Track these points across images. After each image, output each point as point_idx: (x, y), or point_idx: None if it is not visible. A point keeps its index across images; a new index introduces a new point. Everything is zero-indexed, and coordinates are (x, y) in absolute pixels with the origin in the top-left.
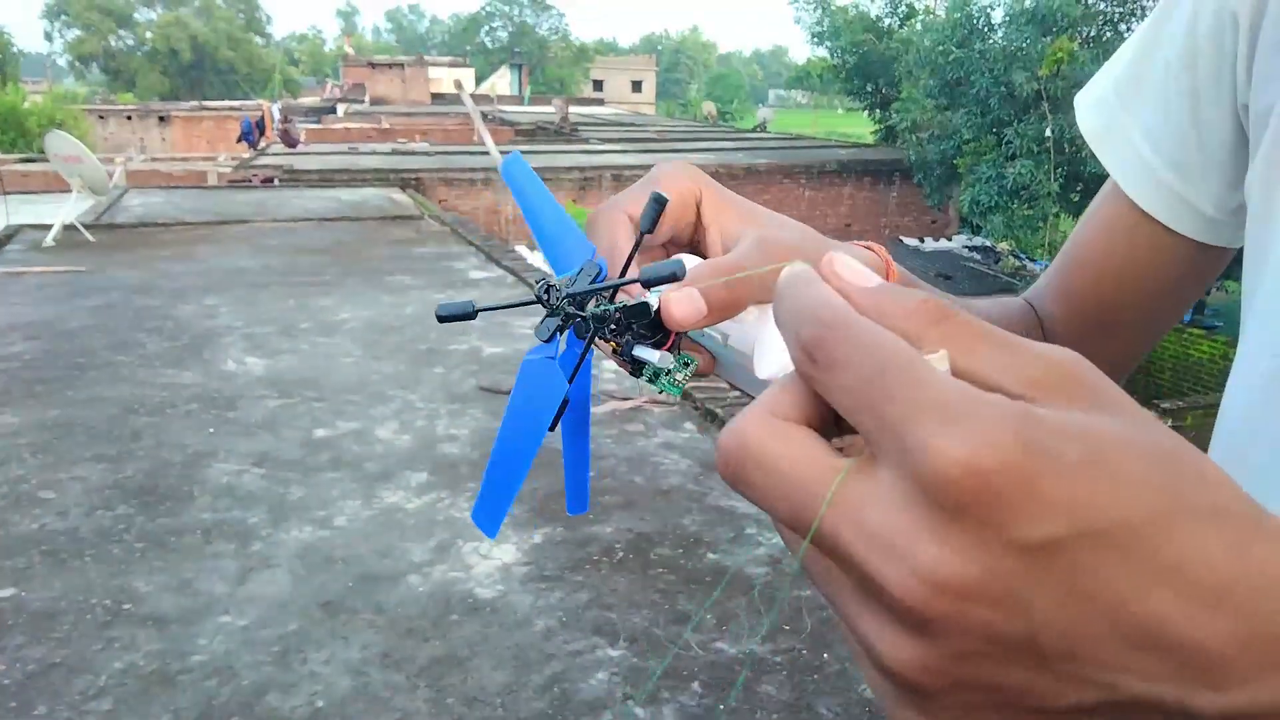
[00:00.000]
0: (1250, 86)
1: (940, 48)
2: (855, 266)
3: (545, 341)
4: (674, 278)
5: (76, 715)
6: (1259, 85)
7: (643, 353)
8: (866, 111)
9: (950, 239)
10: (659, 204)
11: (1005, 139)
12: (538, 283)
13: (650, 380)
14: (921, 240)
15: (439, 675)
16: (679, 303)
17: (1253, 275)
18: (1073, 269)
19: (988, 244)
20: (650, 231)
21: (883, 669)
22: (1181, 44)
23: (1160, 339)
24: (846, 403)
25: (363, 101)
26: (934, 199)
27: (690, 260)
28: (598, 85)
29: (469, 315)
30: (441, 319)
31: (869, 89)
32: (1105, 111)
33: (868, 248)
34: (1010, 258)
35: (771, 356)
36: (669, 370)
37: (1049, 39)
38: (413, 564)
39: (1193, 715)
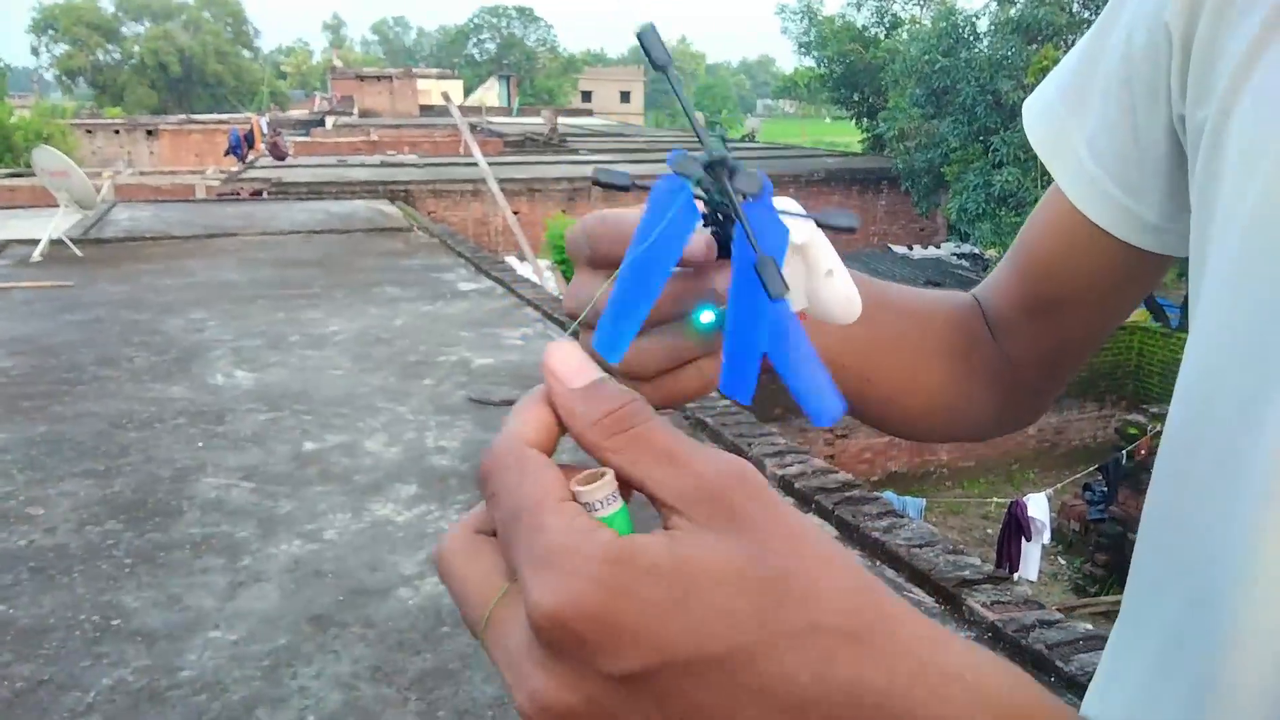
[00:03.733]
0: (1185, 100)
1: (926, 57)
2: (570, 362)
3: (680, 173)
4: (850, 229)
5: None
6: (1194, 99)
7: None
8: (854, 120)
9: (939, 246)
10: (647, 33)
11: (992, 146)
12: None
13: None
14: (910, 248)
15: (430, 688)
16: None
17: (1194, 285)
18: (1020, 267)
19: (976, 251)
20: (666, 64)
21: None
22: (1119, 58)
23: (1105, 339)
24: (499, 535)
25: (351, 114)
26: (922, 207)
27: (784, 200)
28: (586, 96)
29: (625, 187)
30: (598, 184)
31: (856, 98)
32: (1052, 120)
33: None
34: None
35: (797, 222)
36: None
37: (1034, 47)
38: (403, 577)
39: None
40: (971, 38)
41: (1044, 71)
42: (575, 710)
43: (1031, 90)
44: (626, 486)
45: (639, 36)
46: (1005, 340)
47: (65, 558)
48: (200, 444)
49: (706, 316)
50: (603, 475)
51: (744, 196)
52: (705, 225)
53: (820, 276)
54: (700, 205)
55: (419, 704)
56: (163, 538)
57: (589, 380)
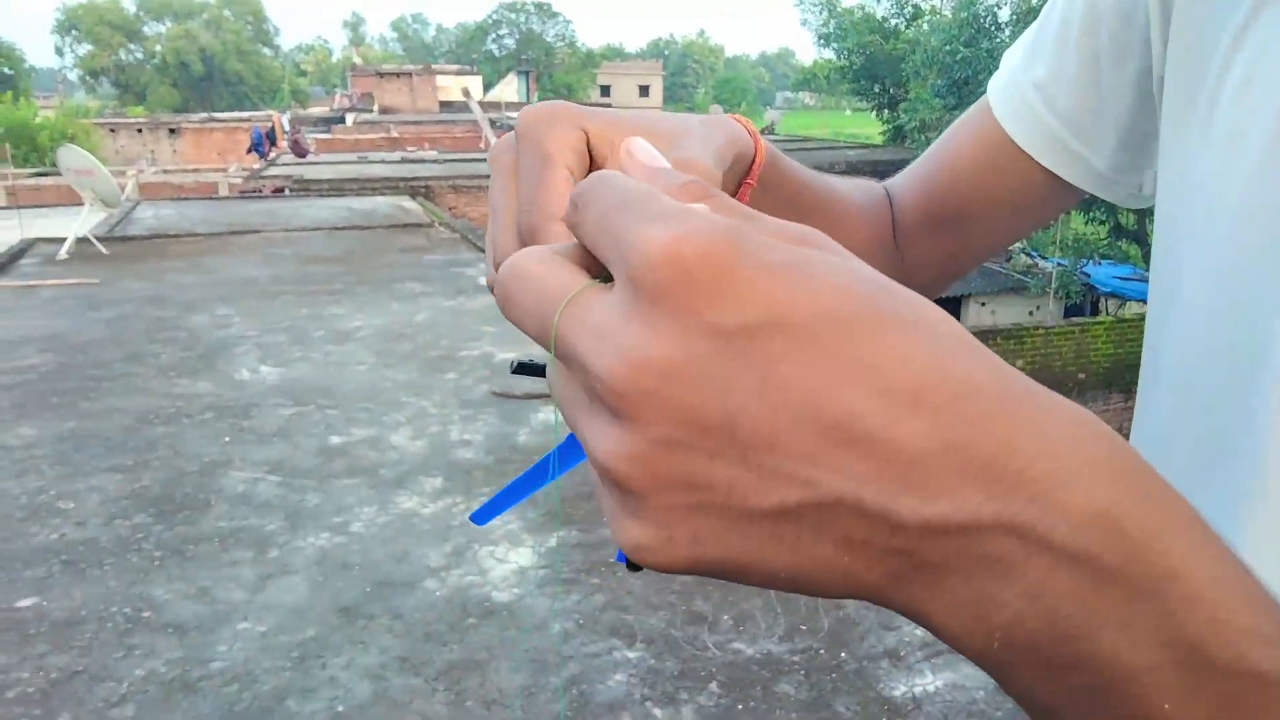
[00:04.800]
0: (1166, 60)
1: (948, 47)
2: (648, 150)
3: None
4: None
5: None
6: (1177, 60)
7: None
8: (874, 112)
9: None
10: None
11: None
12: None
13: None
14: None
15: (457, 679)
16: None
17: (1162, 248)
18: (936, 170)
19: None
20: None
21: (598, 467)
22: (1083, 10)
23: (997, 252)
24: (592, 234)
25: (371, 111)
26: None
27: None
28: (605, 91)
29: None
30: (516, 373)
31: (876, 89)
32: (1010, 70)
33: (736, 119)
34: (1022, 256)
35: None
36: None
37: None
38: (429, 569)
39: (895, 524)
40: (993, 28)
41: None
42: (673, 365)
43: None
44: None
45: (514, 370)
46: (904, 241)
47: (96, 551)
48: (227, 438)
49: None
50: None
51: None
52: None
53: None
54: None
55: (447, 694)
56: (191, 531)
57: (665, 165)
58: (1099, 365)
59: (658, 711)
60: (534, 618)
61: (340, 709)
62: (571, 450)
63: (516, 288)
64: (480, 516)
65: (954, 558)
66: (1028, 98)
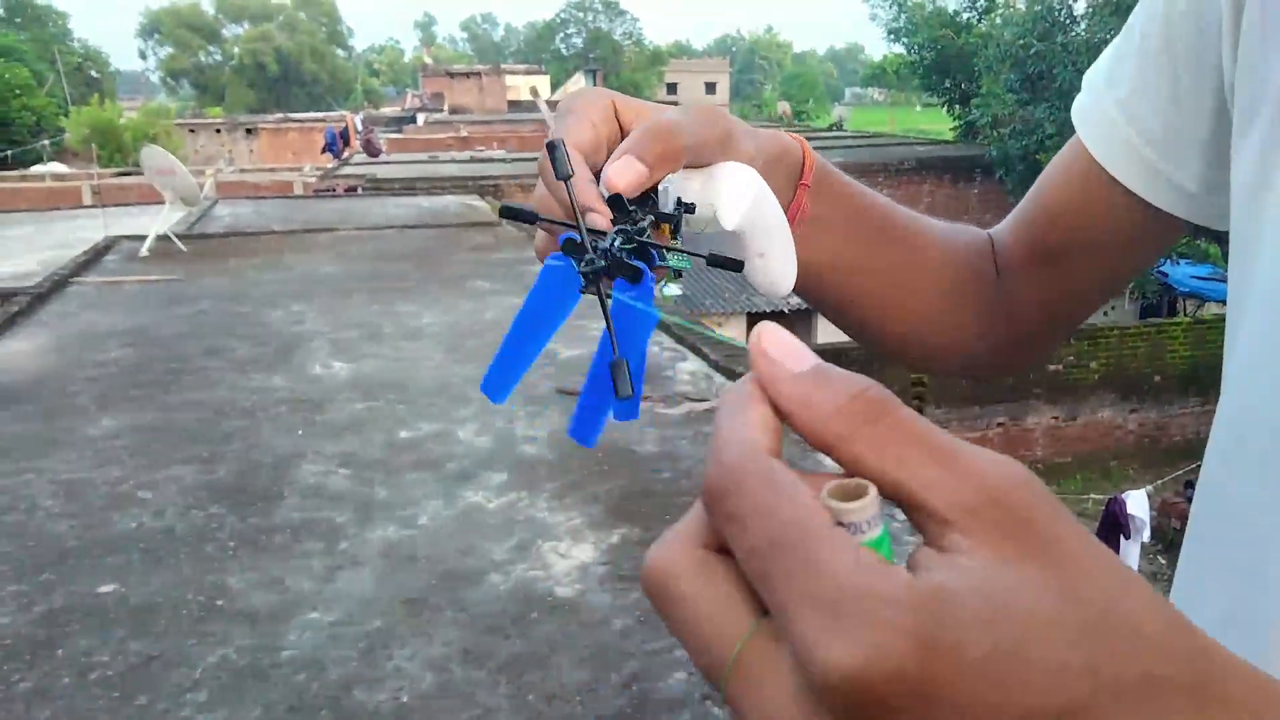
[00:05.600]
0: (1236, 67)
1: (1021, 41)
2: (788, 343)
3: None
4: (737, 266)
5: (174, 706)
6: (1246, 67)
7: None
8: (945, 108)
9: None
10: (555, 149)
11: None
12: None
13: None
14: None
15: (519, 672)
16: (620, 172)
17: (1240, 260)
18: (1035, 211)
19: None
20: (568, 176)
21: None
22: (1160, 24)
23: (1110, 296)
24: (748, 567)
25: (441, 110)
26: (1017, 195)
27: (741, 169)
28: (671, 88)
29: (530, 219)
30: (504, 216)
31: (947, 84)
32: (1094, 91)
33: (798, 143)
34: None
35: (732, 207)
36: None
37: None
38: (493, 562)
39: None
40: (1068, 21)
41: None
42: None
43: None
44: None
45: (548, 147)
46: (1010, 282)
47: (172, 540)
48: (300, 432)
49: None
50: (863, 489)
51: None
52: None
53: (753, 258)
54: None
55: (509, 687)
56: (264, 522)
57: (815, 363)
58: (1176, 367)
59: (717, 711)
60: (596, 614)
61: (405, 699)
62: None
63: (665, 605)
64: (495, 393)
65: None
66: (1111, 118)
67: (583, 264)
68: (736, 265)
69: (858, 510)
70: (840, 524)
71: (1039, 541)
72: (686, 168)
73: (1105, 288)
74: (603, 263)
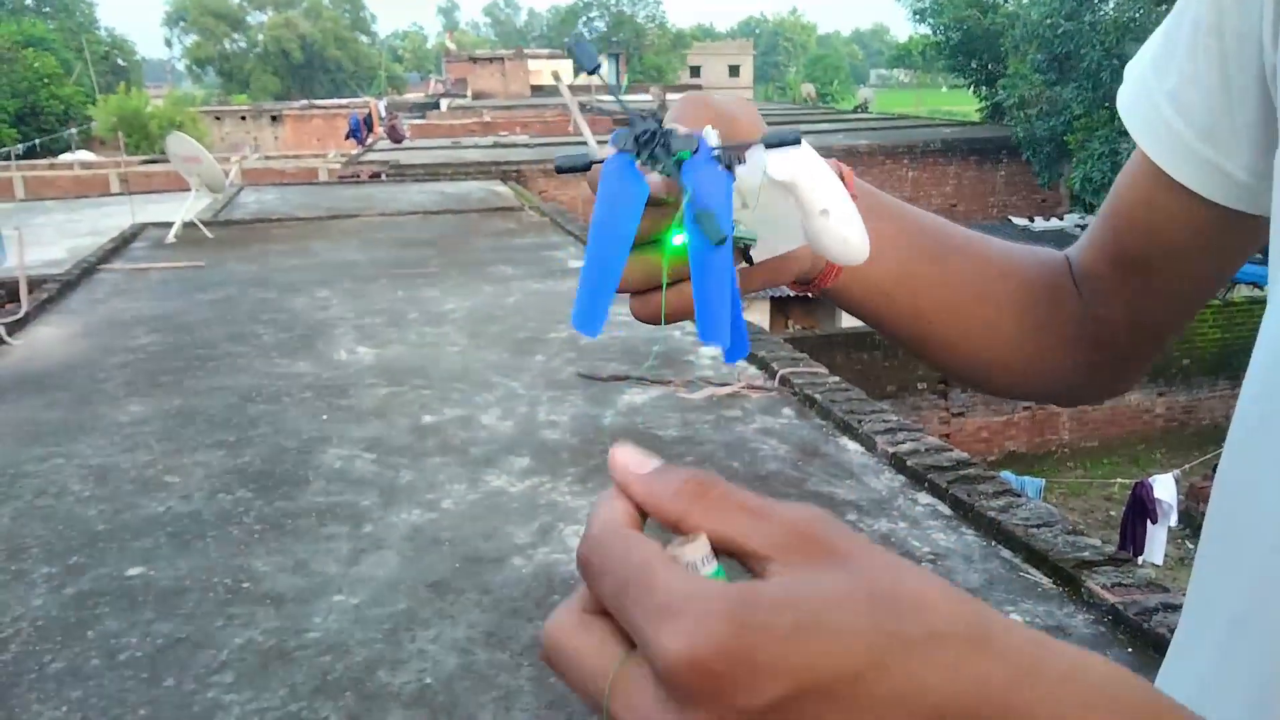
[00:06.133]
0: (1277, 49)
1: (1048, 21)
2: (637, 455)
3: (621, 150)
4: (795, 141)
5: (201, 687)
6: None
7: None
8: (971, 89)
9: (1061, 218)
10: (578, 45)
11: (1118, 114)
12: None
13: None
14: (1031, 219)
15: None
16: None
17: (1276, 245)
18: (1108, 223)
19: None
20: (596, 68)
21: None
22: (1208, 6)
23: (1199, 305)
24: (611, 607)
25: (465, 96)
26: (1044, 177)
27: (784, 133)
28: (695, 71)
29: (584, 168)
30: (560, 171)
31: (973, 65)
32: (1139, 82)
33: (834, 164)
34: None
35: (782, 157)
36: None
37: (1164, 8)
38: (516, 546)
39: None
40: (1096, 0)
41: None
42: None
43: None
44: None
45: (568, 48)
46: (1093, 300)
47: (199, 523)
48: (325, 417)
49: (678, 239)
50: (695, 538)
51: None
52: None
53: (814, 216)
54: (651, 173)
55: (531, 670)
56: (290, 506)
57: (656, 465)
58: (1205, 350)
59: None
60: None
61: (429, 681)
62: None
63: (558, 661)
64: (588, 326)
65: None
66: (1160, 109)
67: (635, 134)
68: (795, 138)
69: (689, 552)
70: (684, 563)
71: (835, 555)
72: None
73: (1193, 296)
74: (656, 124)
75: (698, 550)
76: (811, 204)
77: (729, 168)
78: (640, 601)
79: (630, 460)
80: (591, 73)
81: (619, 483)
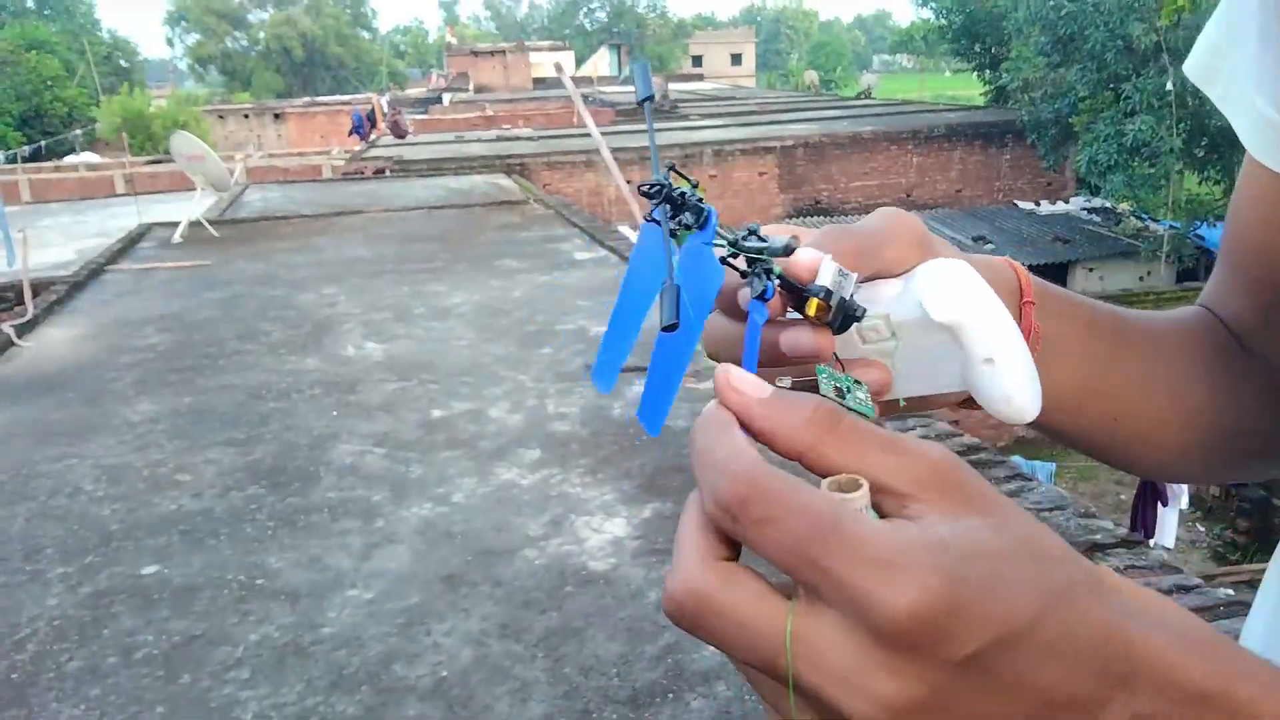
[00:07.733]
0: None
1: (1051, 3)
2: (751, 379)
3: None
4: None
5: (217, 684)
6: None
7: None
8: (975, 72)
9: (1067, 201)
10: (637, 63)
11: (1123, 94)
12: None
13: (839, 395)
14: (1037, 203)
15: (555, 645)
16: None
17: None
18: (1239, 257)
19: (1107, 205)
20: (650, 97)
21: None
22: None
23: None
24: (780, 557)
25: (467, 90)
26: (1049, 160)
27: (951, 263)
28: (697, 60)
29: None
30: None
31: (977, 49)
32: (1218, 67)
33: (1007, 263)
34: (1131, 218)
35: (942, 295)
36: (854, 386)
37: None
38: (528, 538)
39: None
40: None
41: (1179, 12)
42: (924, 704)
43: (1165, 33)
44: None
45: (631, 71)
46: (1258, 345)
47: (212, 521)
48: (334, 413)
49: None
50: (856, 483)
51: (689, 229)
52: (745, 276)
53: (976, 364)
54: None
55: (545, 660)
56: (302, 502)
57: (773, 390)
58: None
59: None
60: (630, 587)
61: (444, 674)
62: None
63: (704, 621)
64: (652, 424)
65: None
66: (1268, 117)
67: (650, 187)
68: (859, 313)
69: (860, 498)
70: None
71: (974, 501)
72: (876, 277)
73: None
74: (666, 183)
75: (864, 496)
76: (975, 352)
77: (831, 307)
78: (843, 554)
79: (746, 384)
80: (642, 103)
81: (738, 409)
